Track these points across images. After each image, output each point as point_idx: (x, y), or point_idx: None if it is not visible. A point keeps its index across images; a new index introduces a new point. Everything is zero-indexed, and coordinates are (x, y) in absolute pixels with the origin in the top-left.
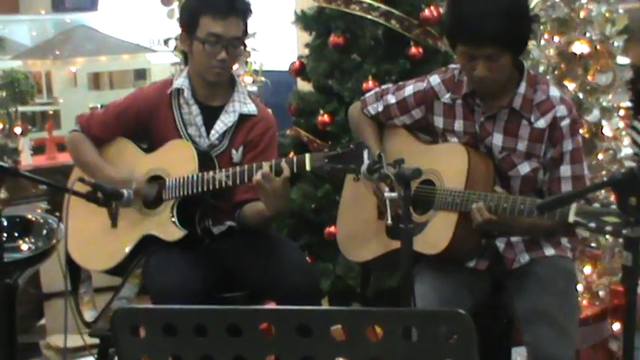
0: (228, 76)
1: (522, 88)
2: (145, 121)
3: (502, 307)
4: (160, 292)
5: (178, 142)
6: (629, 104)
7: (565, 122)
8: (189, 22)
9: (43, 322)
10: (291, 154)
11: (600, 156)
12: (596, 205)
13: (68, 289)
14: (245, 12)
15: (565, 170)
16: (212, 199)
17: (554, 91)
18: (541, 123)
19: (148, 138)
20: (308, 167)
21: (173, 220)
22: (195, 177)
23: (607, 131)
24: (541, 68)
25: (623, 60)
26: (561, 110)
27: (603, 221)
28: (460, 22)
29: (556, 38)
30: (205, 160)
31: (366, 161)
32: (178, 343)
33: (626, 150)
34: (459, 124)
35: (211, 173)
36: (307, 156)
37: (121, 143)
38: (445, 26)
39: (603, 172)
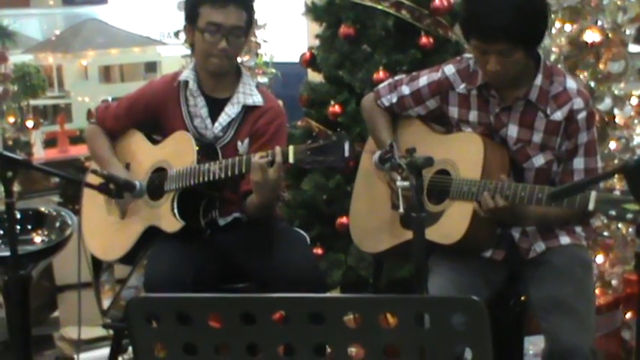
0: (230, 67)
1: (539, 79)
2: (153, 113)
3: (516, 297)
4: (149, 281)
5: (180, 134)
6: None
7: (581, 115)
8: (191, 12)
9: (56, 314)
10: None
11: (612, 145)
12: (617, 193)
13: (81, 282)
14: (245, 1)
15: (578, 162)
16: (216, 191)
17: (571, 83)
18: (557, 115)
19: (160, 130)
20: (291, 159)
21: (174, 211)
22: (191, 169)
23: (619, 120)
24: (552, 57)
25: (635, 48)
26: (578, 103)
27: (624, 209)
28: (472, 17)
29: (567, 27)
30: (209, 152)
31: (347, 151)
32: (192, 332)
33: (638, 139)
34: (473, 115)
35: (206, 165)
36: (290, 148)
37: (132, 135)
38: (459, 19)
39: (615, 161)
